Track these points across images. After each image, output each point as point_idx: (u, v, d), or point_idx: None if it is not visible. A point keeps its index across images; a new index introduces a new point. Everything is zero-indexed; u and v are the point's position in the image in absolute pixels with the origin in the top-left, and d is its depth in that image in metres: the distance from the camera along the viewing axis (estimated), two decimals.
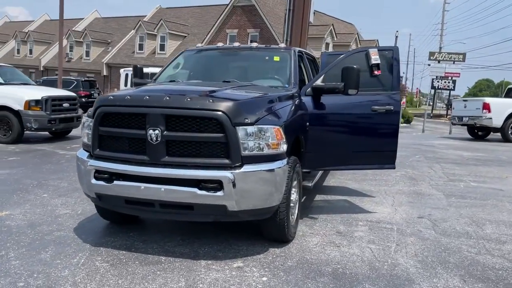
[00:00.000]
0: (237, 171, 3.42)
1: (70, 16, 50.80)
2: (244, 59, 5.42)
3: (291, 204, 4.13)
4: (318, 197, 5.91)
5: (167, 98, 3.51)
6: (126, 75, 21.38)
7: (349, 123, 4.93)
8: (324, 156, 4.88)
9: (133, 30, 38.95)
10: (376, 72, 4.97)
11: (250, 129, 3.46)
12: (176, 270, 3.44)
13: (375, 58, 4.97)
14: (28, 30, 50.54)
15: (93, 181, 3.69)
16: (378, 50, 5.05)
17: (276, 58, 5.08)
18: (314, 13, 19.34)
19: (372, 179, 7.24)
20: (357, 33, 37.38)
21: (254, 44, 5.61)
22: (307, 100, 4.71)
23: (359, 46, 35.75)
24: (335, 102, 4.84)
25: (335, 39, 34.39)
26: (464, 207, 5.67)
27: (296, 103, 4.38)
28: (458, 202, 5.90)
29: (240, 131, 3.43)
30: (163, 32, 36.66)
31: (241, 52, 5.52)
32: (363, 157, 5.05)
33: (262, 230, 4.04)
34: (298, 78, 4.89)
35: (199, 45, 5.79)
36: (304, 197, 5.83)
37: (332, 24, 34.34)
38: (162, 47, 36.90)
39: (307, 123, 4.58)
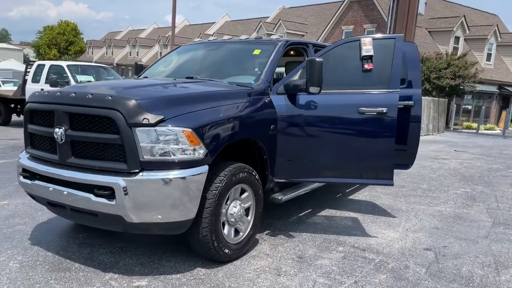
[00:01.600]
0: (130, 178, 3.04)
1: (207, 20, 54.93)
2: (226, 53, 4.92)
3: (231, 219, 3.58)
4: (325, 212, 5.14)
5: (73, 95, 3.28)
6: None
7: (330, 128, 4.11)
8: (300, 165, 4.16)
9: (254, 32, 40.02)
10: (366, 66, 4.06)
11: (152, 131, 3.05)
12: (74, 281, 3.21)
13: (366, 49, 4.07)
14: (168, 35, 55.65)
15: (21, 179, 3.64)
16: (375, 39, 4.12)
17: (256, 52, 4.49)
18: (426, 3, 17.46)
19: (418, 195, 6.09)
20: (497, 25, 32.68)
21: (244, 37, 5.07)
22: (278, 100, 4.05)
23: (499, 40, 31.35)
24: (313, 102, 4.08)
25: (467, 32, 30.56)
26: (504, 241, 4.36)
27: (249, 101, 3.79)
28: (501, 234, 4.58)
29: (139, 133, 3.03)
30: (281, 32, 36.86)
31: (226, 46, 5.02)
32: (351, 169, 4.19)
33: (191, 247, 3.58)
34: (272, 74, 4.22)
35: (196, 39, 5.43)
36: (309, 211, 5.12)
37: (464, 16, 30.60)
38: None
39: (273, 125, 3.94)
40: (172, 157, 3.10)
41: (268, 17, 44.69)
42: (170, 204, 3.11)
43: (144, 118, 3.04)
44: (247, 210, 3.82)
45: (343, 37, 31.27)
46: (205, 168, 3.23)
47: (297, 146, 4.11)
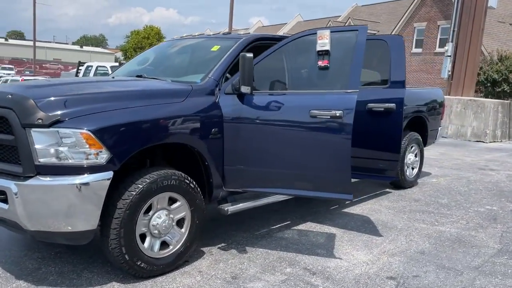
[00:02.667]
0: (22, 182, 2.87)
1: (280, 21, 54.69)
2: (188, 51, 4.60)
3: (155, 231, 3.30)
4: (304, 226, 4.65)
5: None
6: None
7: (280, 133, 3.64)
8: (250, 174, 3.75)
9: None
10: (321, 63, 3.53)
11: (47, 132, 2.86)
12: None
13: (322, 43, 3.54)
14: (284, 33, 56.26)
15: None
16: (334, 31, 3.58)
17: (214, 49, 4.12)
18: None
19: (427, 211, 5.33)
20: None
21: (209, 32, 4.70)
22: (226, 100, 3.68)
23: None
24: (262, 104, 3.65)
25: None
26: (496, 274, 3.59)
27: (182, 102, 3.46)
28: (499, 266, 3.79)
29: (34, 134, 2.86)
30: None
31: (190, 43, 4.71)
32: (304, 180, 3.69)
33: None
34: (224, 73, 3.83)
35: (175, 37, 5.17)
36: (287, 223, 4.66)
37: None
38: None
39: (215, 129, 3.57)
40: (70, 161, 2.88)
41: (340, 16, 43.49)
42: (66, 213, 2.89)
43: (38, 119, 2.85)
44: (180, 221, 3.50)
45: (414, 36, 29.41)
46: (108, 175, 2.96)
47: (245, 153, 3.71)
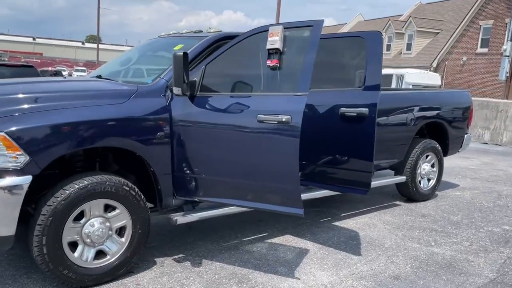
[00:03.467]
0: None
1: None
2: (155, 50, 4.40)
3: (87, 239, 3.15)
4: (279, 239, 4.31)
5: None
6: None
7: (227, 138, 3.35)
8: (199, 182, 3.50)
9: (383, 31, 37.66)
10: (269, 63, 3.19)
11: None
12: None
13: (272, 41, 3.20)
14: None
15: None
16: (286, 27, 3.22)
17: (177, 48, 3.89)
18: None
19: (429, 229, 4.77)
20: None
21: (184, 31, 4.46)
22: (176, 102, 3.46)
23: None
24: (209, 107, 3.40)
25: None
26: None
27: (123, 103, 3.27)
28: None
29: None
30: (411, 30, 33.93)
31: (160, 41, 4.50)
32: (252, 191, 3.36)
33: None
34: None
35: (163, 34, 4.97)
36: (263, 235, 4.36)
37: None
38: (408, 47, 34.19)
39: (161, 133, 3.36)
40: None
41: (402, 15, 41.62)
42: None
43: None
44: (122, 230, 3.33)
45: (480, 35, 27.41)
46: (25, 179, 2.85)
47: (194, 159, 3.47)
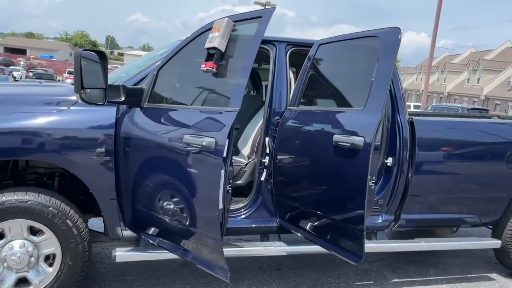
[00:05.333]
0: None
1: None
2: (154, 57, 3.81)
3: (4, 264, 2.79)
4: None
5: None
6: None
7: (161, 163, 2.61)
8: (140, 214, 2.84)
9: None
10: (204, 66, 2.35)
11: None
12: None
13: (211, 38, 2.37)
14: (479, 59, 49.52)
15: None
16: (236, 21, 2.35)
17: (160, 52, 3.30)
18: None
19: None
20: None
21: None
22: (128, 114, 2.90)
23: None
24: (152, 122, 2.76)
25: None
26: None
27: (56, 112, 2.82)
28: None
29: None
30: None
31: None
32: (186, 234, 2.53)
33: None
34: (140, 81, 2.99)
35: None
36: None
37: None
38: None
39: (101, 149, 2.82)
40: None
41: None
42: None
43: None
44: (50, 258, 2.88)
45: None
46: None
47: (135, 185, 2.84)
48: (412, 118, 3.49)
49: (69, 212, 2.85)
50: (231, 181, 2.41)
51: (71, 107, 2.88)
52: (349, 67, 3.11)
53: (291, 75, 3.52)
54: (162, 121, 2.66)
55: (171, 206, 2.62)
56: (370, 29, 2.84)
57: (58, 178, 3.14)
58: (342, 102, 3.08)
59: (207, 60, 2.43)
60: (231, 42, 2.41)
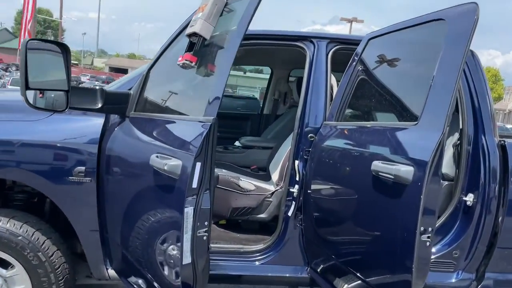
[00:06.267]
0: None
1: None
2: None
3: None
4: None
5: None
6: None
7: (136, 188, 1.98)
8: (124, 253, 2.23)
9: None
10: (179, 59, 1.69)
11: None
12: None
13: (193, 21, 1.70)
14: None
15: None
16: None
17: None
18: None
19: None
20: None
21: None
22: (116, 127, 2.34)
23: None
24: (135, 135, 2.15)
25: None
26: None
27: (32, 121, 2.34)
28: None
29: None
30: None
31: None
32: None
33: None
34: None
35: None
36: None
37: None
38: None
39: (80, 167, 2.29)
40: None
41: None
42: None
43: None
44: None
45: None
46: None
47: (116, 214, 2.24)
48: (504, 141, 2.52)
49: (42, 244, 2.34)
50: (208, 223, 1.69)
51: (52, 116, 2.39)
52: (405, 67, 2.25)
53: (333, 81, 2.75)
54: (148, 134, 2.05)
55: (151, 249, 1.98)
56: (435, 11, 1.97)
57: (50, 200, 2.68)
58: (394, 114, 2.22)
59: (187, 51, 1.79)
60: (221, 27, 1.74)
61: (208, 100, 1.62)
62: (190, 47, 1.80)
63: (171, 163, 1.60)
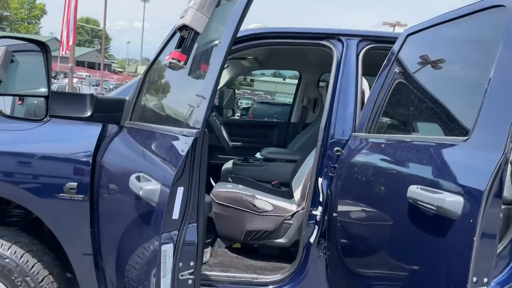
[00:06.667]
0: None
1: None
2: None
3: None
4: None
5: None
6: None
7: (126, 210, 1.68)
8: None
9: None
10: (167, 57, 1.39)
11: None
12: None
13: (184, 11, 1.38)
14: None
15: None
16: None
17: None
18: None
19: None
20: None
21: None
22: (114, 137, 2.08)
23: None
24: (127, 148, 1.85)
25: None
26: None
27: (7, 130, 2.11)
28: None
29: None
30: None
31: None
32: None
33: None
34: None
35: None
36: None
37: None
38: None
39: (70, 183, 2.04)
40: None
41: None
42: None
43: None
44: None
45: None
46: None
47: (112, 237, 1.96)
48: None
49: (32, 267, 2.11)
50: (195, 263, 1.35)
51: (47, 124, 2.14)
52: (452, 67, 1.83)
53: (365, 85, 2.36)
54: (135, 148, 1.76)
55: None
56: None
57: None
58: (439, 125, 1.80)
59: (176, 48, 1.47)
60: (217, 19, 1.42)
61: (192, 109, 1.30)
62: (180, 43, 1.50)
63: (147, 187, 1.28)
